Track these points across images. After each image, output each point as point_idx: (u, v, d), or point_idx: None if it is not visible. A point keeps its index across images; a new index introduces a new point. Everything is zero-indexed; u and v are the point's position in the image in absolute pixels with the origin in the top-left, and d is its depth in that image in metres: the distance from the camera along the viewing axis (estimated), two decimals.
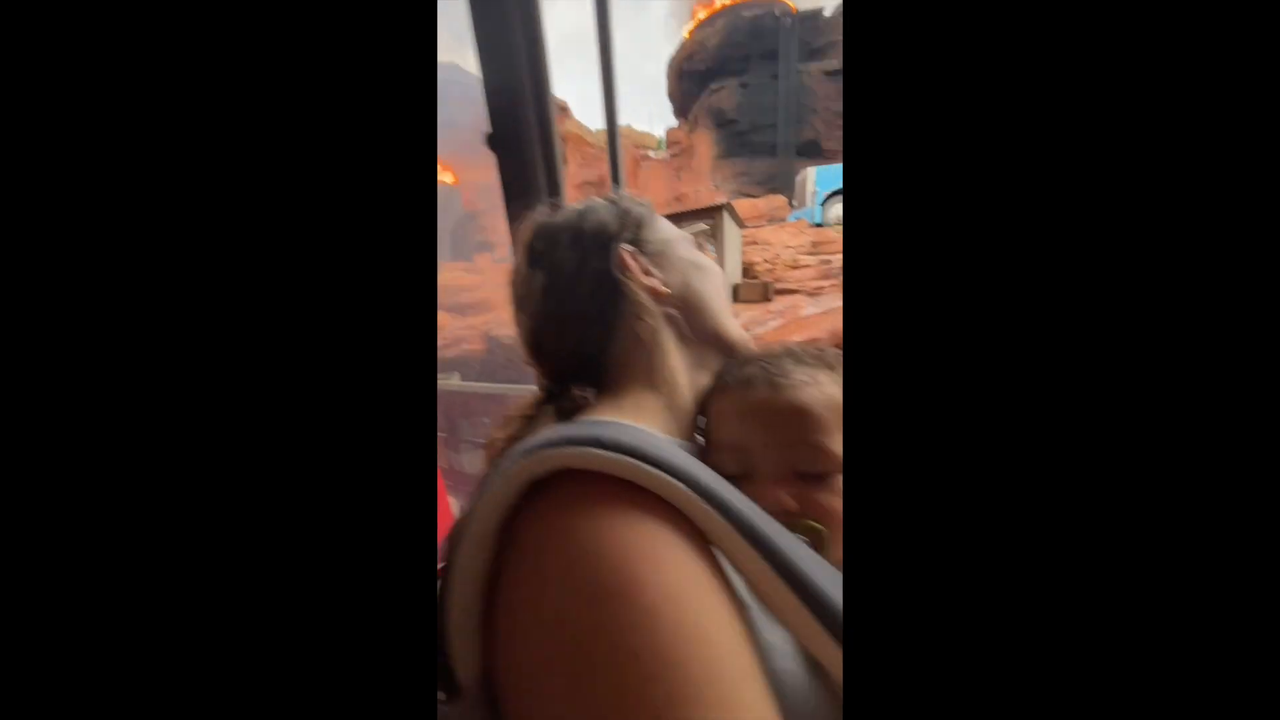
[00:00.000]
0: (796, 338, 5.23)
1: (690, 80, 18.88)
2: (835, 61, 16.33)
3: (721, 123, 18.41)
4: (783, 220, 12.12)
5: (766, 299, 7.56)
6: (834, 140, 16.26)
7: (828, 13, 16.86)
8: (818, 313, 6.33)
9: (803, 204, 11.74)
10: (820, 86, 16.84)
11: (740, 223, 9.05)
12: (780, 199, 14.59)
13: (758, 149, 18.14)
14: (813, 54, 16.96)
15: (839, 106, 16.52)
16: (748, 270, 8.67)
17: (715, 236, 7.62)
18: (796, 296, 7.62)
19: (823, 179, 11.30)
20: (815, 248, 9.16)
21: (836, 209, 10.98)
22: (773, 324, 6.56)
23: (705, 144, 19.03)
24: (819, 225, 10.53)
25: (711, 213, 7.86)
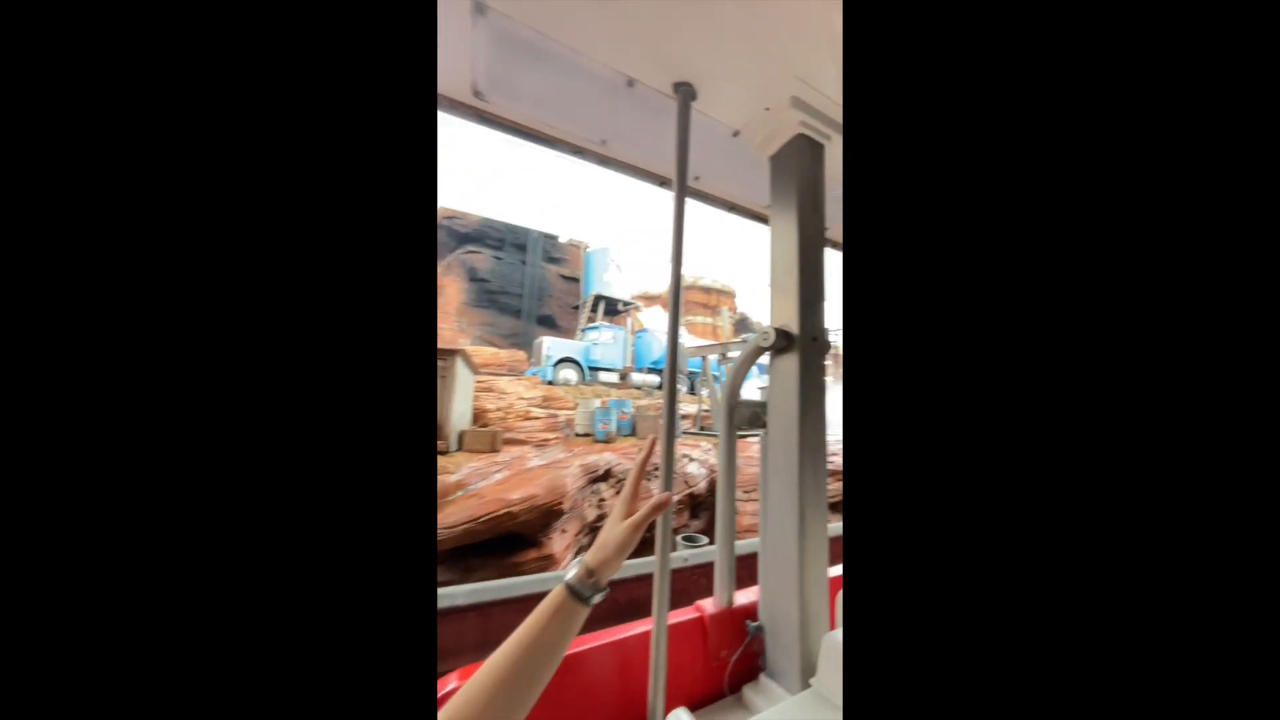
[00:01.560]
0: (517, 494, 5.06)
1: (449, 234, 20.58)
2: (568, 270, 22.37)
3: (475, 278, 20.19)
4: (521, 373, 13.24)
5: (494, 449, 7.30)
6: (565, 320, 20.80)
7: (562, 239, 23.84)
8: (542, 464, 6.56)
9: (539, 363, 13.42)
10: (557, 283, 22.17)
11: (474, 369, 9.08)
12: (521, 354, 16.24)
13: (504, 309, 20.51)
14: (552, 259, 22.73)
15: (570, 300, 21.59)
16: (479, 418, 8.38)
17: (445, 379, 7.19)
18: (525, 447, 7.80)
19: (555, 347, 13.74)
20: (546, 402, 10.25)
21: (564, 373, 13.22)
22: (497, 475, 6.20)
23: (455, 289, 19.77)
24: (550, 383, 12.09)
25: (445, 355, 7.54)
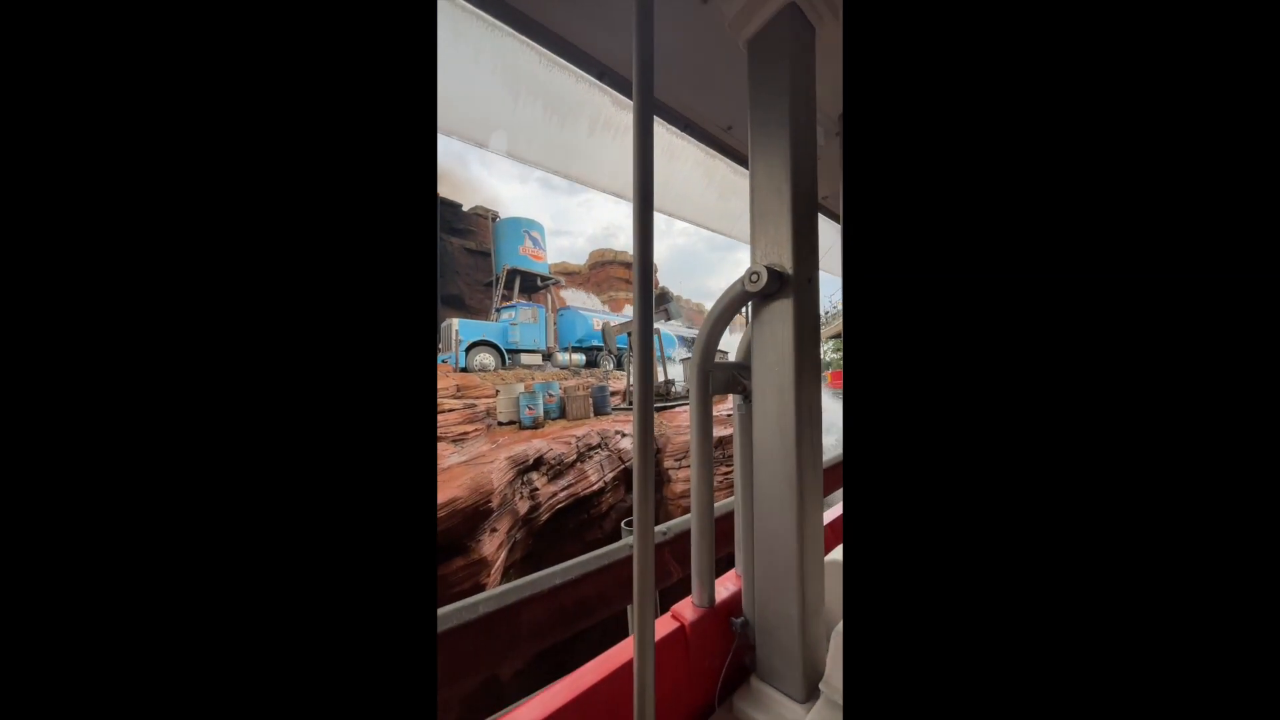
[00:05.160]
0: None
1: None
2: (474, 243, 20.02)
3: None
4: None
5: None
6: (474, 300, 18.81)
7: (465, 208, 21.12)
8: (462, 461, 5.85)
9: (449, 349, 11.94)
10: (462, 257, 19.73)
11: None
12: None
13: None
14: (455, 231, 20.07)
15: (478, 276, 19.58)
16: None
17: None
18: (440, 444, 6.91)
19: (466, 330, 12.30)
20: (460, 391, 9.17)
21: (480, 358, 11.99)
22: None
23: None
24: (464, 370, 10.86)
25: None
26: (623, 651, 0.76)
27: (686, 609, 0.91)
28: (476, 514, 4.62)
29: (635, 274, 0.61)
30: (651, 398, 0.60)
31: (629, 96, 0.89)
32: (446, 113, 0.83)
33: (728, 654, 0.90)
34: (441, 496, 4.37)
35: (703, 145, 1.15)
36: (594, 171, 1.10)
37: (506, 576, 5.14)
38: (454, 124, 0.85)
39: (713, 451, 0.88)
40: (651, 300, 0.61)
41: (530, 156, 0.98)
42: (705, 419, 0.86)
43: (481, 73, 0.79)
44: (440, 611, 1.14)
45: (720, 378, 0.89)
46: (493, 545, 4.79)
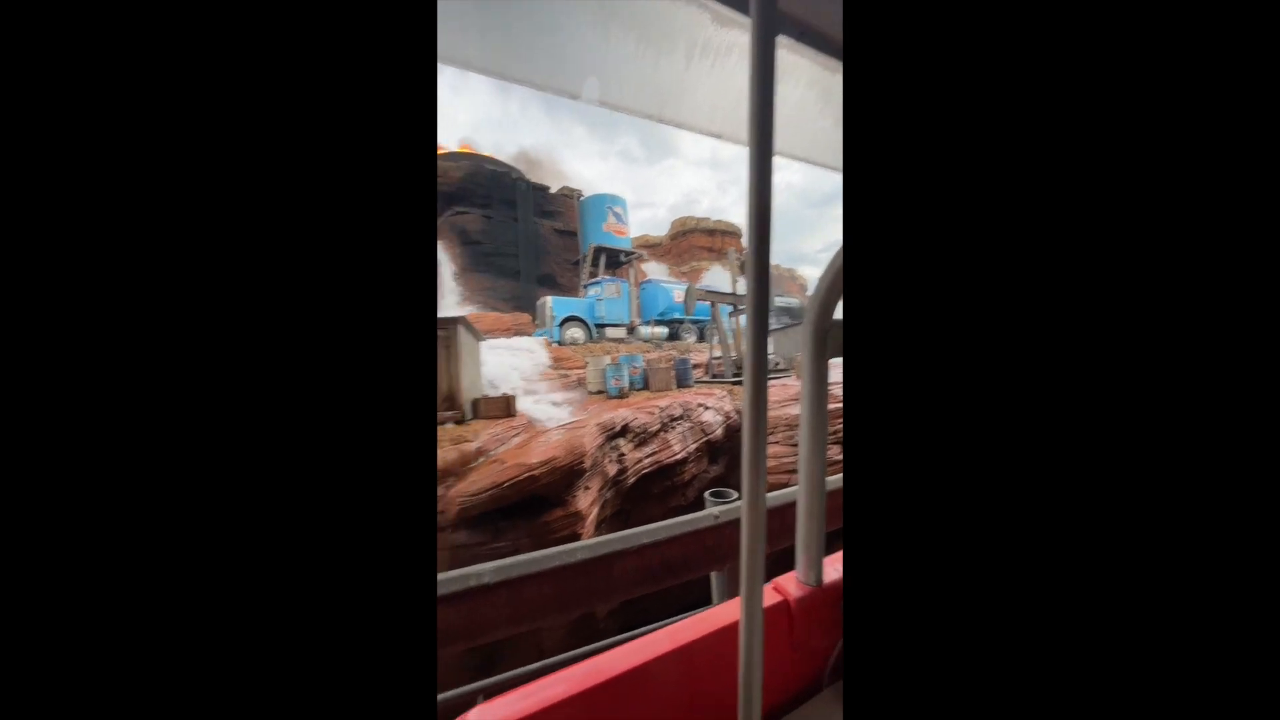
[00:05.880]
0: (536, 458, 4.95)
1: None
2: (562, 224, 21.12)
3: (467, 241, 19.24)
4: (529, 335, 12.97)
5: (510, 414, 7.20)
6: (565, 278, 20.04)
7: (554, 189, 22.24)
8: (558, 425, 6.46)
9: (544, 325, 13.08)
10: (552, 238, 21.02)
11: (478, 335, 8.78)
12: (525, 316, 15.86)
13: (502, 271, 19.71)
14: (545, 214, 21.38)
15: (568, 256, 20.73)
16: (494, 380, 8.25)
17: (449, 349, 6.91)
18: (543, 406, 7.72)
19: (559, 307, 13.31)
20: (556, 363, 10.06)
21: (571, 332, 12.92)
22: (515, 440, 6.12)
23: (450, 255, 19.01)
24: (558, 343, 11.84)
25: (446, 324, 7.19)
26: (725, 613, 0.74)
27: (790, 584, 0.85)
28: (571, 472, 5.10)
29: (750, 228, 0.52)
30: (766, 356, 0.53)
31: (734, 7, 0.76)
32: (537, 66, 0.82)
33: (834, 635, 0.83)
34: (542, 456, 4.90)
35: (822, 56, 0.92)
36: (692, 110, 1.00)
37: (599, 530, 5.64)
38: (547, 78, 0.83)
39: (827, 420, 0.77)
40: (768, 264, 0.52)
41: (624, 102, 0.93)
42: (820, 385, 0.76)
43: (570, 11, 0.75)
44: (545, 553, 1.27)
45: (840, 337, 0.76)
46: (586, 500, 5.26)
